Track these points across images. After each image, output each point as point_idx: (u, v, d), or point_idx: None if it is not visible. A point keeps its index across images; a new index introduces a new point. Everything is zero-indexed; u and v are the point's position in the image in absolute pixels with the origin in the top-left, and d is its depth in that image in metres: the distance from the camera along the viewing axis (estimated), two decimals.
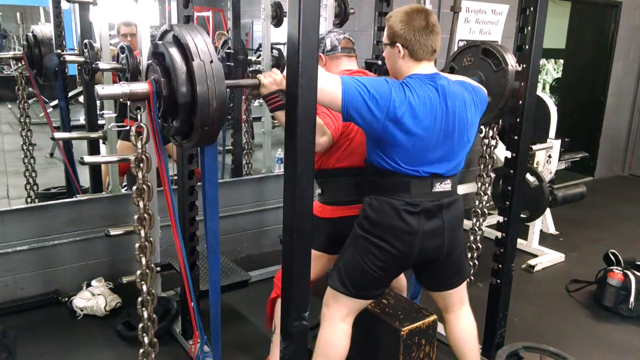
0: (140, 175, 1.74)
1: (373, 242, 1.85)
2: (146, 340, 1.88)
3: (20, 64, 3.36)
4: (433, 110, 1.77)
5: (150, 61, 1.70)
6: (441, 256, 1.92)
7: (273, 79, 1.92)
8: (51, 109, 4.06)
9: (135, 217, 1.77)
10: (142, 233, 1.79)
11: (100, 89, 1.60)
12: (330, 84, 1.69)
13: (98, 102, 3.69)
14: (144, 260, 1.81)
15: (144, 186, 1.75)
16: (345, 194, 2.17)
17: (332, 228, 2.19)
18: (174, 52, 1.59)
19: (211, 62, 1.56)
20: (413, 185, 1.81)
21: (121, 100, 1.64)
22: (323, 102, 1.71)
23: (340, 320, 1.98)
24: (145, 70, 1.74)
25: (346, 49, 2.26)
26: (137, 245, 1.80)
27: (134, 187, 1.75)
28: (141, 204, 1.76)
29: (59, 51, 3.33)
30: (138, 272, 1.82)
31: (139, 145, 1.71)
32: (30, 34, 3.25)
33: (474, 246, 2.73)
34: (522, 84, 2.27)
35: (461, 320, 2.15)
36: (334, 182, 2.19)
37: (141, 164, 1.74)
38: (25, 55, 3.30)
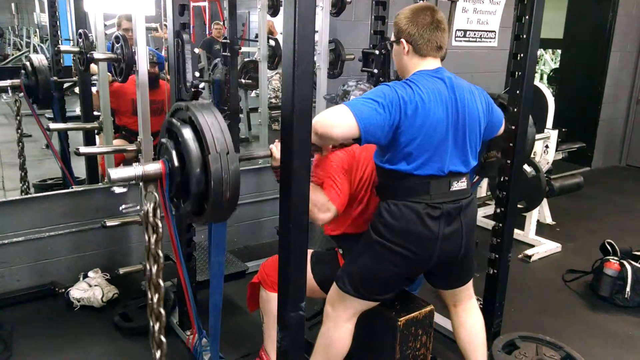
0: (152, 240, 1.70)
1: (391, 248, 1.81)
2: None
3: (18, 95, 3.40)
4: (443, 102, 1.76)
5: (164, 140, 1.67)
6: (457, 258, 1.91)
7: None
8: None
9: (146, 284, 1.74)
10: (155, 299, 1.74)
11: (114, 174, 1.58)
12: (339, 114, 1.68)
13: (94, 89, 3.68)
14: (157, 327, 1.76)
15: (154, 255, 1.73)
16: None
17: None
18: (190, 138, 1.55)
19: (227, 153, 1.54)
20: (432, 185, 1.78)
21: (134, 181, 1.61)
22: (341, 132, 1.69)
23: (345, 320, 1.97)
24: (158, 149, 1.72)
25: None
26: (149, 311, 1.76)
27: (146, 254, 1.71)
28: (154, 268, 1.73)
29: (55, 78, 3.39)
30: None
31: (158, 224, 1.67)
32: (28, 63, 3.30)
33: None
34: (520, 73, 2.26)
35: (470, 314, 2.14)
36: (352, 245, 2.11)
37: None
38: (23, 85, 3.33)
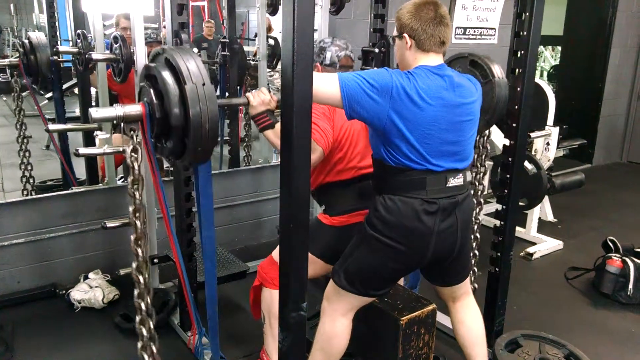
0: (137, 195, 1.73)
1: (386, 243, 1.80)
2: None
3: (16, 72, 3.32)
4: (441, 99, 1.75)
5: (142, 83, 1.71)
6: (453, 254, 1.90)
7: (261, 100, 1.94)
8: (46, 101, 4.05)
9: (132, 237, 1.77)
10: (140, 252, 1.77)
11: (94, 112, 1.61)
12: (327, 82, 1.71)
13: (93, 92, 3.67)
14: (142, 279, 1.78)
15: (140, 207, 1.76)
16: (349, 202, 2.18)
17: (335, 235, 2.18)
18: (167, 75, 1.60)
19: (203, 84, 1.58)
20: (429, 181, 1.78)
21: (114, 121, 1.65)
22: (323, 100, 1.73)
23: (341, 315, 1.96)
24: (138, 92, 1.76)
25: (345, 66, 2.26)
26: (134, 265, 1.78)
27: (130, 208, 1.74)
28: (138, 222, 1.76)
29: (55, 57, 3.30)
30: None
31: (136, 166, 1.71)
32: (26, 40, 3.23)
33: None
34: (520, 70, 2.25)
35: (468, 310, 2.14)
36: (335, 195, 2.19)
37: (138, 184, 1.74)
38: (22, 62, 3.25)
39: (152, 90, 1.64)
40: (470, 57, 2.32)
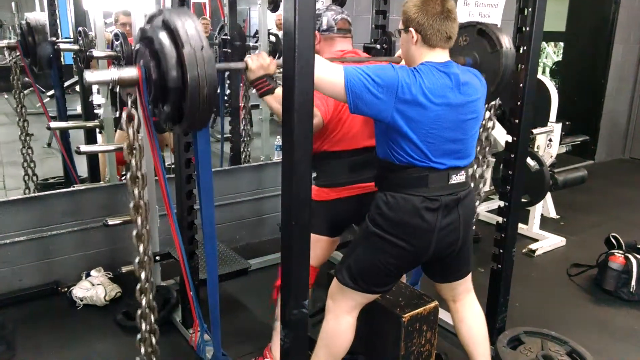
0: (133, 162, 1.71)
1: (388, 240, 1.81)
2: (144, 327, 1.87)
3: (14, 53, 3.30)
4: (446, 98, 1.73)
5: (138, 45, 1.66)
6: (455, 250, 1.90)
7: (260, 64, 1.86)
8: (48, 99, 4.04)
9: (131, 204, 1.75)
10: (139, 221, 1.76)
11: (89, 75, 1.57)
12: (332, 75, 1.68)
13: (94, 89, 3.66)
14: (141, 248, 1.78)
15: (138, 174, 1.73)
16: (341, 175, 2.18)
17: (329, 210, 2.19)
18: (164, 37, 1.54)
19: (202, 48, 1.52)
20: (431, 178, 1.77)
21: (111, 86, 1.62)
22: (327, 93, 1.72)
23: (346, 313, 1.96)
24: (134, 55, 1.70)
25: (342, 29, 2.23)
26: (134, 232, 1.78)
27: (128, 174, 1.72)
28: (136, 191, 1.73)
29: (53, 39, 3.28)
30: (136, 260, 1.80)
31: (131, 132, 1.68)
32: (24, 22, 3.20)
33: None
34: (523, 66, 2.24)
35: (470, 309, 2.13)
36: (329, 165, 2.19)
37: (134, 151, 1.71)
38: (20, 44, 3.24)
39: (147, 52, 1.59)
40: (478, 26, 2.29)
